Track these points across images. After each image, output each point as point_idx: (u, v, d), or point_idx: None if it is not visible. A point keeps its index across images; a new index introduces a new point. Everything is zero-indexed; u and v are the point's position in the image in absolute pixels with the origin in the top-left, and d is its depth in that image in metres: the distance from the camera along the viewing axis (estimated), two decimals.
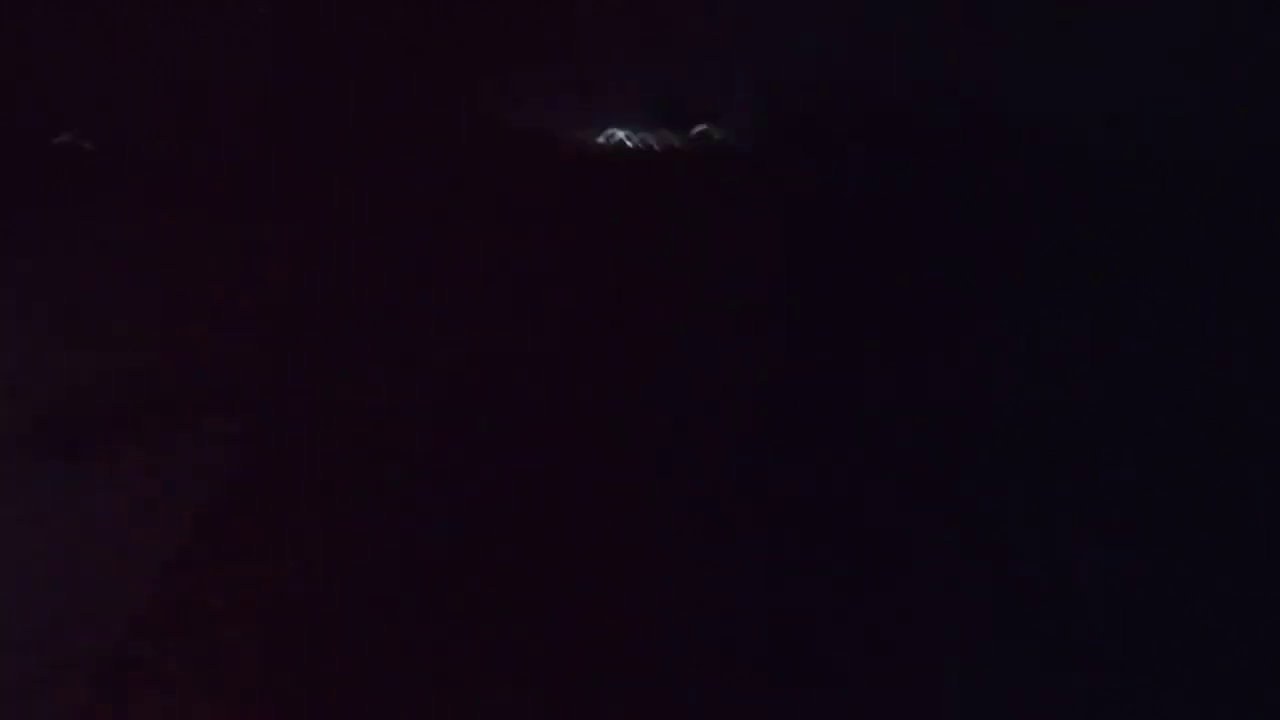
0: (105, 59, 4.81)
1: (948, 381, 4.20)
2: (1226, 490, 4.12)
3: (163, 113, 4.78)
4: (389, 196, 4.52)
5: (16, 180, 4.78)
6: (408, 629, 4.08)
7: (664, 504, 4.19)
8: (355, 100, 4.63)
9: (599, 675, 4.03)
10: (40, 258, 4.47)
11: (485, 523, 4.19)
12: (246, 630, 4.06)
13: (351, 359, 4.31)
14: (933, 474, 4.15)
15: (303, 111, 4.68)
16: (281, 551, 4.15)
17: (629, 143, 4.53)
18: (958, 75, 4.40)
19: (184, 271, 4.53)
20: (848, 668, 4.03)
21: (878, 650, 4.05)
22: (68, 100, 4.84)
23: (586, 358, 4.29)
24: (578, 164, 4.55)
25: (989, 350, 4.23)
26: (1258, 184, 4.28)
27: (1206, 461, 4.13)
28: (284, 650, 4.04)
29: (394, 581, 4.12)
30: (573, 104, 4.57)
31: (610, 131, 4.53)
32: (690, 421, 4.25)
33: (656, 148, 4.52)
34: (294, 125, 4.68)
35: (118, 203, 4.63)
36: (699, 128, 4.49)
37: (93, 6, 4.88)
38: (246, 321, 4.40)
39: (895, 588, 4.10)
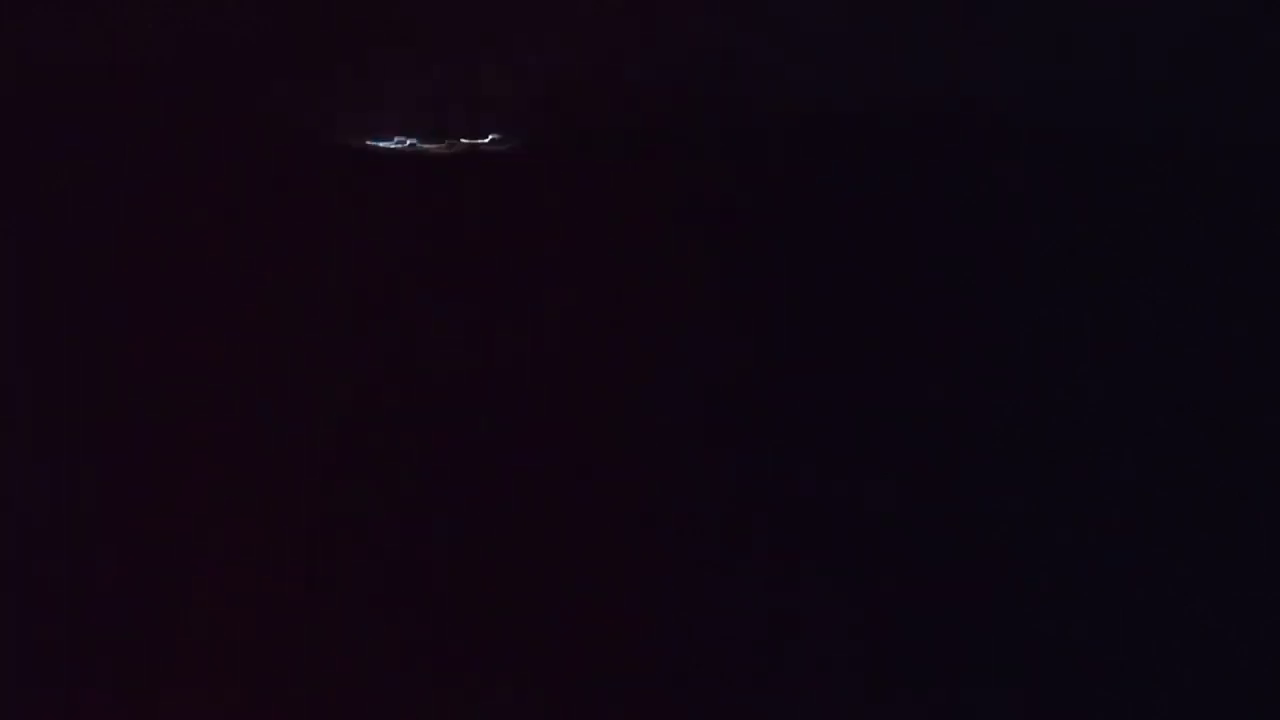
0: None
1: (948, 381, 4.20)
2: (1226, 490, 4.12)
3: None
4: (161, 202, 4.42)
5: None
6: (408, 629, 4.08)
7: (664, 504, 4.20)
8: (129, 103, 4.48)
9: (599, 675, 4.03)
10: (41, 257, 4.46)
11: (485, 523, 4.19)
12: (246, 630, 4.06)
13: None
14: (933, 474, 4.16)
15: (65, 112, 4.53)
16: (281, 551, 4.15)
17: (418, 148, 4.46)
18: (892, 69, 4.39)
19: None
20: (847, 668, 4.04)
21: (878, 650, 4.06)
22: None
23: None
24: (362, 170, 4.46)
25: (989, 350, 4.23)
26: (1258, 184, 4.28)
27: (1206, 461, 4.13)
28: (284, 650, 4.04)
29: (394, 581, 4.12)
30: (356, 109, 4.47)
31: (398, 138, 4.46)
32: (682, 422, 4.25)
33: (445, 153, 4.46)
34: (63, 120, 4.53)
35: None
36: (490, 136, 4.43)
37: None
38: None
39: (895, 588, 4.11)
